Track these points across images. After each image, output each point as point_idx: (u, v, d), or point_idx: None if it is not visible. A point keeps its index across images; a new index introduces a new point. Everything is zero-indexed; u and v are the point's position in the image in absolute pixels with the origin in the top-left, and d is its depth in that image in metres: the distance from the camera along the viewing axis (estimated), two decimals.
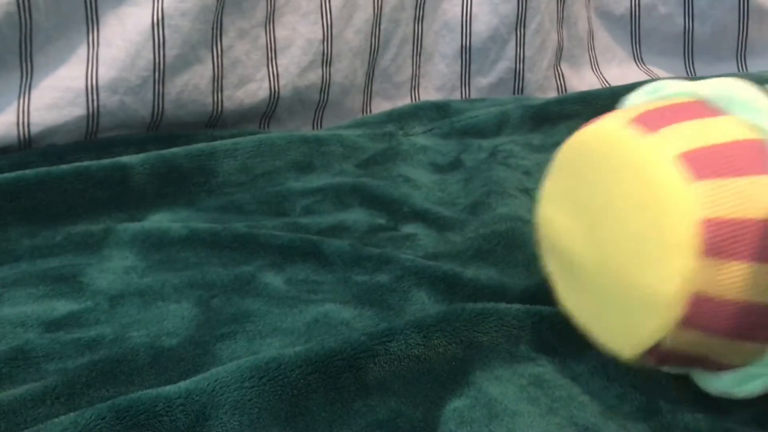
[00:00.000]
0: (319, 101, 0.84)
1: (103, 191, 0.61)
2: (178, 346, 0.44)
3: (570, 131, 0.43)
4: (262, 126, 0.82)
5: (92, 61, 0.70)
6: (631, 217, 0.37)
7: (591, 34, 1.01)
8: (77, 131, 0.70)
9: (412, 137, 0.76)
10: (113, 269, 0.53)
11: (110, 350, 0.44)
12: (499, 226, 0.58)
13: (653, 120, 0.39)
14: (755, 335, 0.37)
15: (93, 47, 0.70)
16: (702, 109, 0.39)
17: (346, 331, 0.46)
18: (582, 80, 0.99)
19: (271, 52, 0.80)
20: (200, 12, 0.73)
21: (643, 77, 0.98)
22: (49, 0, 0.68)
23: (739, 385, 0.40)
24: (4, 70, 0.68)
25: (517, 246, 0.56)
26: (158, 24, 0.71)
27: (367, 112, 0.89)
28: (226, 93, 0.77)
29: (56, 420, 0.36)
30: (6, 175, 0.59)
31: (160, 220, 0.60)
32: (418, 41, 0.91)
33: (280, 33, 0.81)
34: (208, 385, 0.38)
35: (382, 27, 0.87)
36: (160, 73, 0.72)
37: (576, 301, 0.43)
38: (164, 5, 0.71)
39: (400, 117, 0.80)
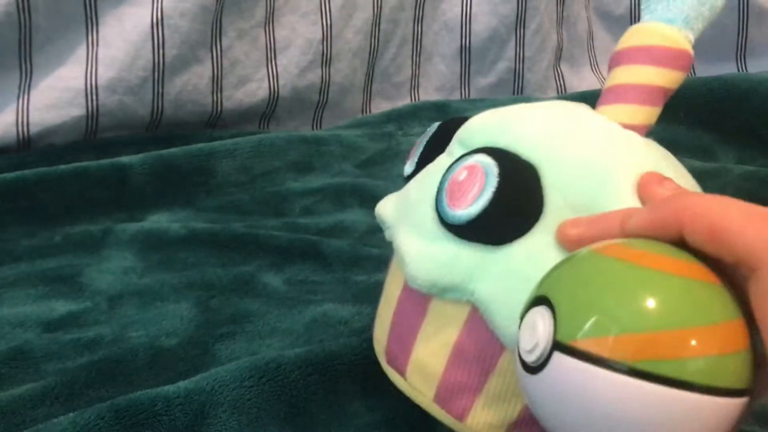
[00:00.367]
0: (318, 101, 0.84)
1: (102, 191, 0.61)
2: (177, 346, 0.44)
3: None
4: (261, 126, 0.82)
5: (91, 61, 0.70)
6: None
7: (590, 35, 1.01)
8: (76, 131, 0.70)
9: (411, 137, 0.76)
10: (112, 269, 0.53)
11: (109, 350, 0.44)
12: None
13: None
14: None
15: (92, 47, 0.70)
16: None
17: (345, 331, 0.46)
18: (581, 80, 0.99)
19: (271, 53, 0.80)
20: (199, 12, 0.73)
21: None
22: (48, 0, 0.68)
23: None
24: (4, 71, 0.68)
25: None
26: (157, 24, 0.71)
27: (366, 112, 0.89)
28: (225, 93, 0.77)
29: (55, 420, 0.36)
30: (5, 175, 0.59)
31: (159, 221, 0.60)
32: (417, 41, 0.91)
33: (280, 33, 0.81)
34: (207, 384, 0.38)
35: (381, 27, 0.87)
36: (159, 73, 0.72)
37: None
38: (163, 5, 0.71)
39: (399, 117, 0.80)
